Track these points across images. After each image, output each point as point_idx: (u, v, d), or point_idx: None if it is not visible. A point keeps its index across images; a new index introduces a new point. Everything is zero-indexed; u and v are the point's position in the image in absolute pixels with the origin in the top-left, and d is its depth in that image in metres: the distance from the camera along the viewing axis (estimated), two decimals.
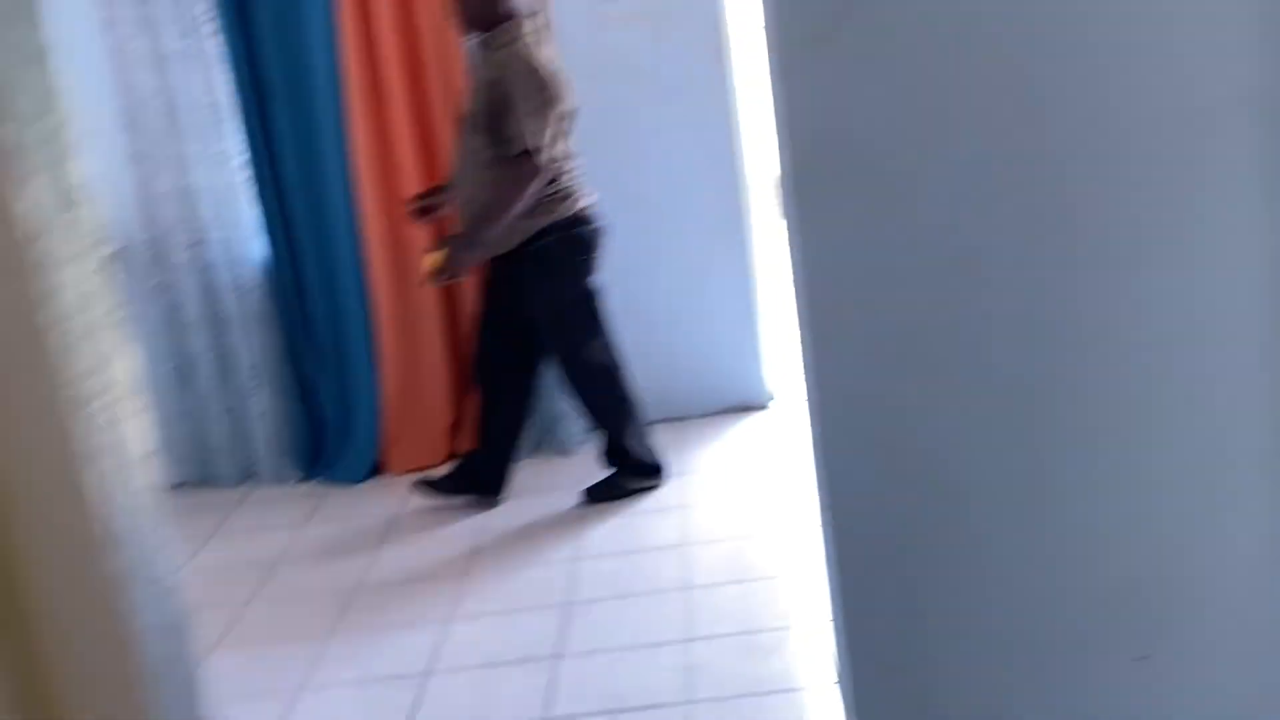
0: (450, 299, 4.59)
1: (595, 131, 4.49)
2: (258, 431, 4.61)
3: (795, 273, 1.55)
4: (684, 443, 4.52)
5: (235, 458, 4.64)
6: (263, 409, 4.59)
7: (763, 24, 1.54)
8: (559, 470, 4.45)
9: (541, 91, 3.62)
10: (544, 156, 3.64)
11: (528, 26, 3.73)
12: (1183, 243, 1.58)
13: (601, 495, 4.10)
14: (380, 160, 4.43)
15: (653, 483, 4.14)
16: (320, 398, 4.66)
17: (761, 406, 4.70)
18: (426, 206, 3.98)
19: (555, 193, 3.78)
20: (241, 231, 4.51)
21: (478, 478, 4.16)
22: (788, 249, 1.60)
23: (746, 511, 3.91)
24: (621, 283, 4.58)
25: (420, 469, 4.57)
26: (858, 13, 1.51)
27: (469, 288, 4.35)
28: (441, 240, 3.82)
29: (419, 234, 4.46)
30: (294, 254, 4.54)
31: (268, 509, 4.45)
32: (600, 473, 4.15)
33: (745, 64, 4.44)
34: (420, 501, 4.24)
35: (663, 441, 4.30)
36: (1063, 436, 1.64)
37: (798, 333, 1.61)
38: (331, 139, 4.41)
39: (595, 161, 4.50)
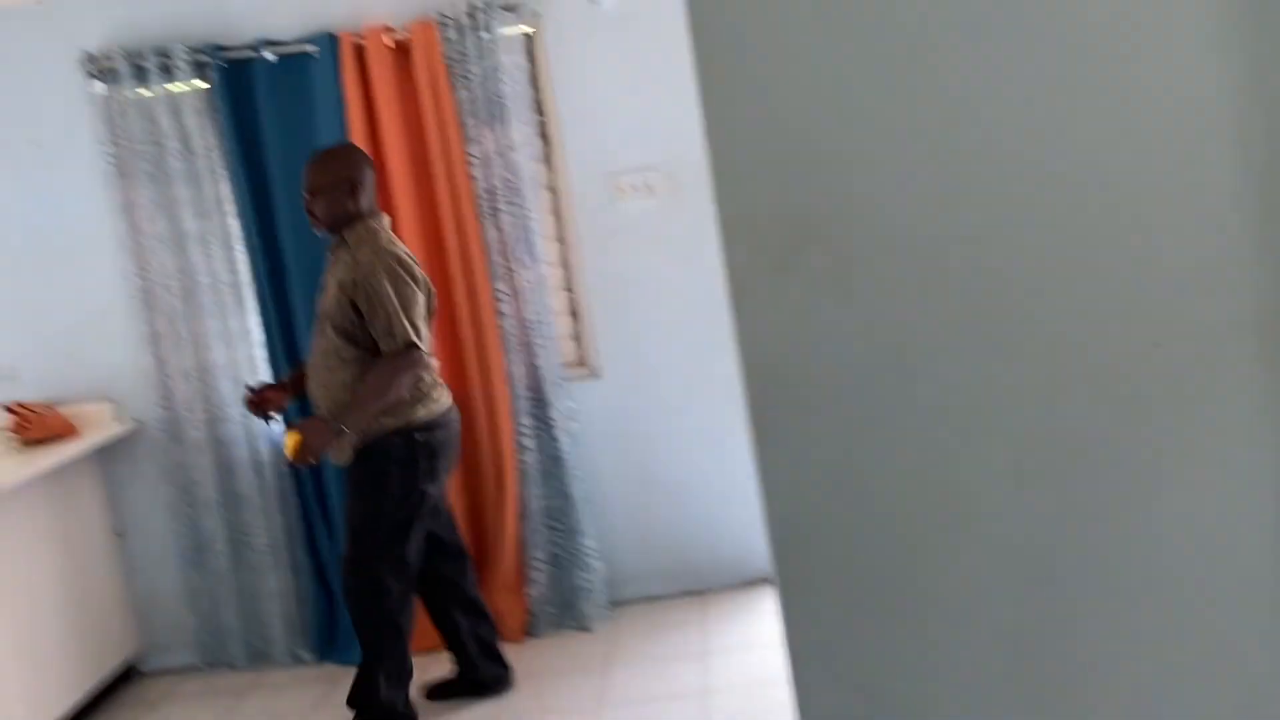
0: (468, 479, 4.48)
1: (610, 298, 4.45)
2: (271, 612, 4.49)
3: (764, 508, 1.42)
4: (705, 618, 4.33)
5: (247, 639, 4.51)
6: (276, 588, 4.47)
7: (721, 250, 1.44)
8: (579, 648, 4.27)
9: (408, 285, 3.51)
10: (425, 345, 3.52)
11: (380, 224, 3.66)
12: (1183, 473, 1.44)
13: None
14: None
15: None
16: (334, 577, 4.53)
17: None
18: (262, 400, 3.79)
19: (410, 395, 3.58)
20: None
21: (474, 677, 3.98)
22: (756, 476, 1.47)
23: (774, 697, 3.70)
24: (637, 451, 4.49)
25: (431, 649, 4.41)
26: (817, 242, 1.40)
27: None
28: (299, 422, 3.59)
29: None
30: None
31: (279, 694, 4.29)
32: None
33: None
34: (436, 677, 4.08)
35: (684, 617, 4.11)
36: (1061, 683, 1.48)
37: (772, 573, 1.47)
38: None
39: (609, 330, 4.46)
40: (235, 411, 4.42)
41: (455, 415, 3.76)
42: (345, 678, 4.30)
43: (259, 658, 4.52)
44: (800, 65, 1.40)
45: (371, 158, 3.79)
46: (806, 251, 1.39)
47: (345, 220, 3.61)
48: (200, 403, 4.44)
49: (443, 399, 3.70)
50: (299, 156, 4.33)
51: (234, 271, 4.42)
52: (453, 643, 3.96)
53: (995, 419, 1.40)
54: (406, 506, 3.62)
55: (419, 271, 3.60)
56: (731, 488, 4.48)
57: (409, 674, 3.76)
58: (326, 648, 4.52)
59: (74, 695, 4.16)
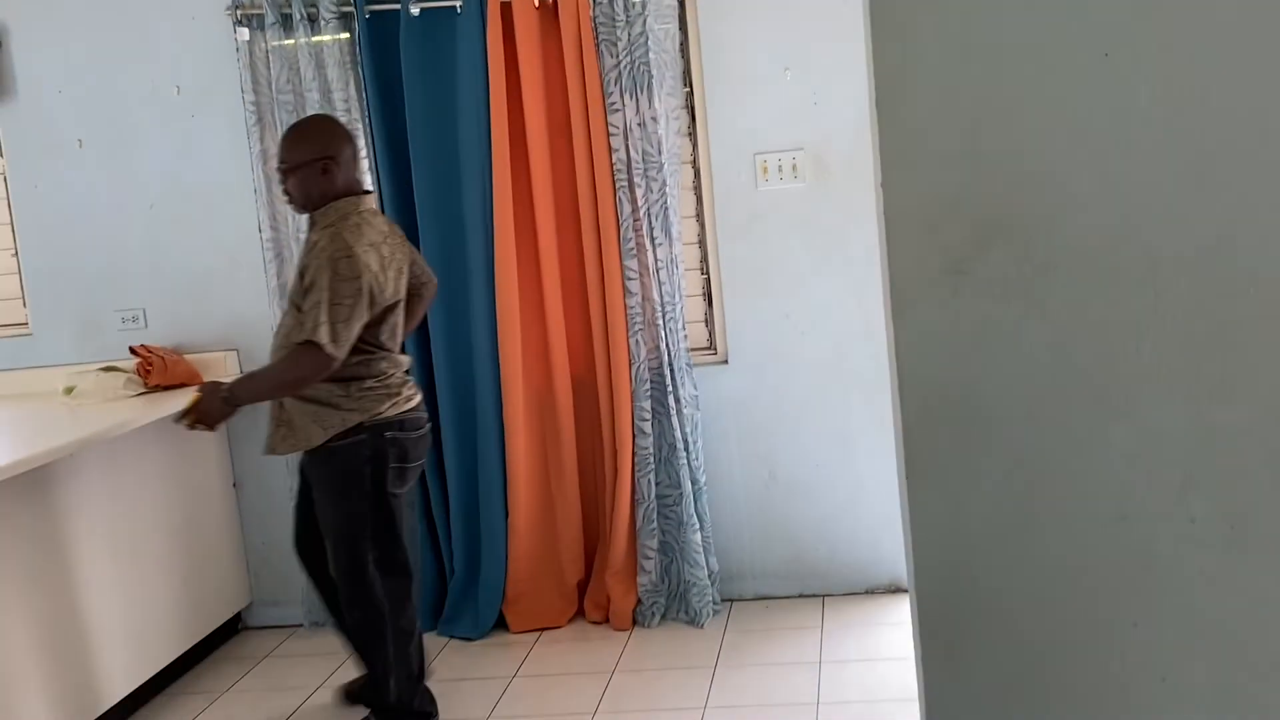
0: (585, 460, 4.29)
1: (745, 283, 4.21)
2: None
3: (910, 557, 1.18)
4: (822, 624, 4.08)
5: None
6: None
7: (883, 250, 1.19)
8: (687, 643, 4.05)
9: (348, 283, 3.17)
10: (337, 351, 3.16)
11: (353, 208, 3.33)
12: None
13: None
14: (528, 315, 4.20)
15: None
16: (448, 546, 4.38)
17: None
18: None
19: (375, 389, 3.32)
20: None
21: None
22: (904, 529, 1.23)
23: (892, 718, 3.43)
24: (762, 444, 4.25)
25: (541, 629, 4.25)
26: (1003, 242, 1.14)
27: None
28: (203, 385, 3.39)
29: (563, 391, 4.21)
30: (434, 397, 4.31)
31: None
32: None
33: None
34: (540, 661, 3.91)
35: (799, 621, 3.86)
36: None
37: (915, 637, 1.22)
38: (481, 287, 4.20)
39: (741, 315, 4.21)
40: None
41: (425, 416, 3.51)
42: (449, 650, 4.19)
43: None
44: (992, 31, 1.15)
45: (351, 132, 3.49)
46: (989, 252, 1.13)
47: (318, 199, 3.33)
48: None
49: (413, 398, 3.44)
50: (439, 114, 4.19)
51: None
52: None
53: (1208, 471, 1.13)
54: (384, 507, 3.37)
55: (371, 272, 3.22)
56: (858, 489, 4.21)
57: (420, 672, 3.51)
58: (433, 618, 4.37)
59: (180, 645, 4.09)
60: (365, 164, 4.06)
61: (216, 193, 4.34)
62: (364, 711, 3.56)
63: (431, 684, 3.62)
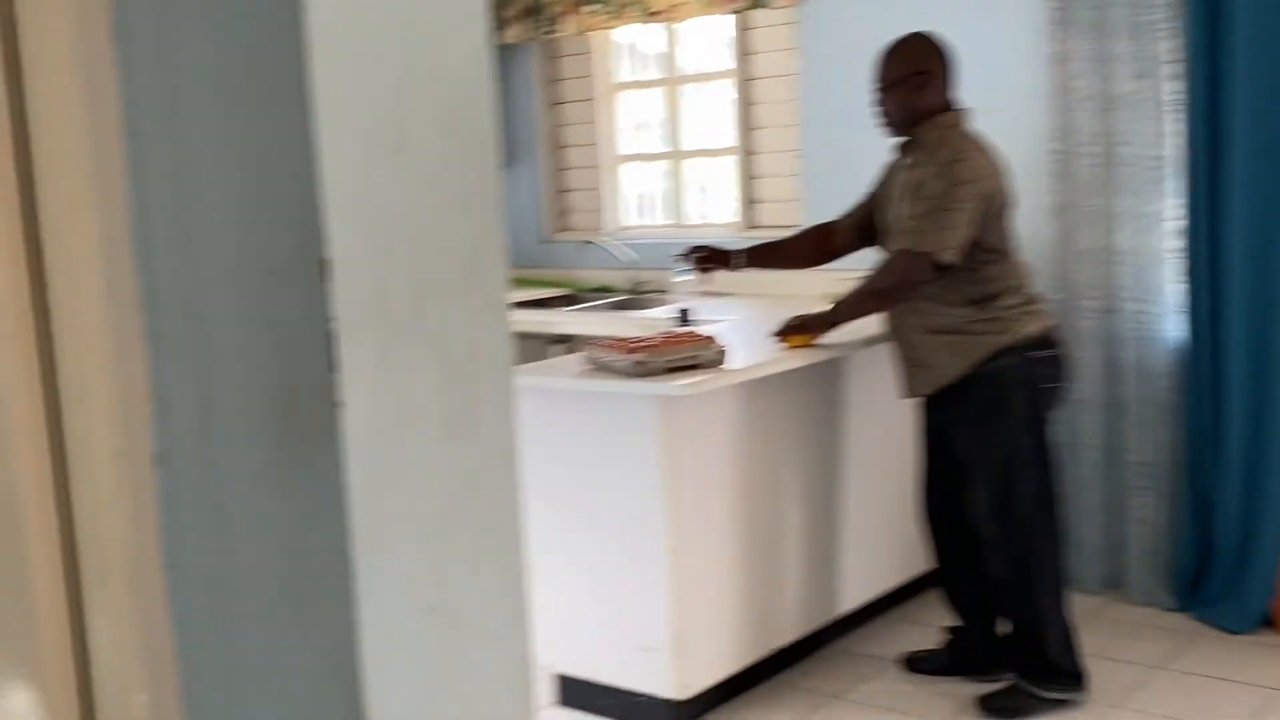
0: None
1: None
2: (1132, 538, 3.78)
3: None
4: None
5: (1099, 560, 3.86)
6: (1143, 515, 3.74)
7: None
8: None
9: (961, 186, 2.92)
10: (943, 256, 2.91)
11: (955, 120, 3.07)
12: None
13: (1002, 707, 3.13)
14: None
15: (1070, 696, 3.10)
16: (1216, 518, 3.68)
17: None
18: (706, 256, 3.44)
19: (1013, 306, 3.01)
20: (1159, 306, 3.69)
21: (966, 656, 3.34)
22: None
23: None
24: None
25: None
26: None
27: None
28: (803, 316, 3.27)
29: None
30: (1218, 344, 3.61)
31: (1126, 634, 3.60)
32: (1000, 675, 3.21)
33: None
34: None
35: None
36: None
37: None
38: None
39: None
40: (1130, 306, 3.71)
41: (1063, 338, 3.18)
42: (1204, 639, 3.55)
43: (1112, 584, 3.85)
44: None
45: (946, 47, 3.08)
46: None
47: (917, 117, 3.07)
48: (1094, 290, 3.80)
49: (1045, 318, 3.09)
50: (1270, 11, 3.43)
51: (1159, 145, 3.64)
52: (960, 605, 3.35)
53: None
54: (1038, 434, 3.04)
55: (985, 175, 2.98)
56: None
57: (1072, 629, 3.14)
58: (1190, 597, 3.72)
59: (907, 572, 3.88)
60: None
61: (1005, 97, 3.93)
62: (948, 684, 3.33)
63: (1181, 675, 3.04)
